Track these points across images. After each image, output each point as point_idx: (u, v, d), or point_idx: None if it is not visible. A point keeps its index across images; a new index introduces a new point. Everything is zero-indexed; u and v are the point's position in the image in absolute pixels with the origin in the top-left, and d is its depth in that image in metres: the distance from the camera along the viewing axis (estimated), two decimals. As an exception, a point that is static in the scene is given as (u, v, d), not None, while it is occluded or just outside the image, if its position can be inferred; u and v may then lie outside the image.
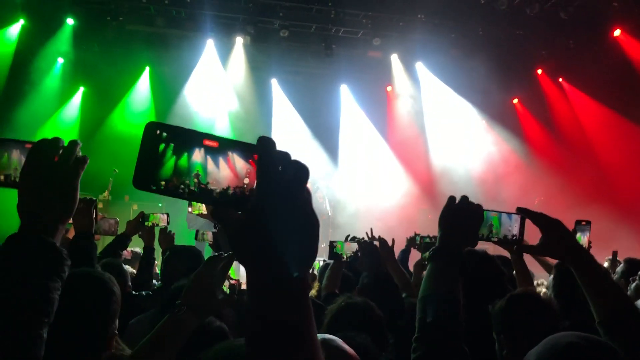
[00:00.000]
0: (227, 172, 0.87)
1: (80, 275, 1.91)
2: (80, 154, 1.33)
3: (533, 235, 2.07)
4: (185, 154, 0.86)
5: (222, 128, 14.05)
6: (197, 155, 0.86)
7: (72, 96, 13.58)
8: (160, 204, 11.61)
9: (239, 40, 12.65)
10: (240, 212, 0.85)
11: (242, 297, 2.18)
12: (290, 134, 14.34)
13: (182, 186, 0.86)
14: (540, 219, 1.94)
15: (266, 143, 0.83)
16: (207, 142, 0.87)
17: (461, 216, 1.81)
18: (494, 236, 2.16)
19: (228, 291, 2.15)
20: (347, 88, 14.96)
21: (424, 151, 14.59)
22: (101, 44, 12.33)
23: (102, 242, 4.77)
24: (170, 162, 0.86)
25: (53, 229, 1.27)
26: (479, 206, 1.83)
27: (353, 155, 14.93)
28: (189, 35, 12.53)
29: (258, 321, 0.80)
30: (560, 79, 13.52)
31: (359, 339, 2.06)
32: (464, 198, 1.84)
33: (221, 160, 0.87)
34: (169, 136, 0.86)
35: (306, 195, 0.83)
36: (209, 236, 5.62)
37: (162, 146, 0.86)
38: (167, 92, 13.72)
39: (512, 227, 2.13)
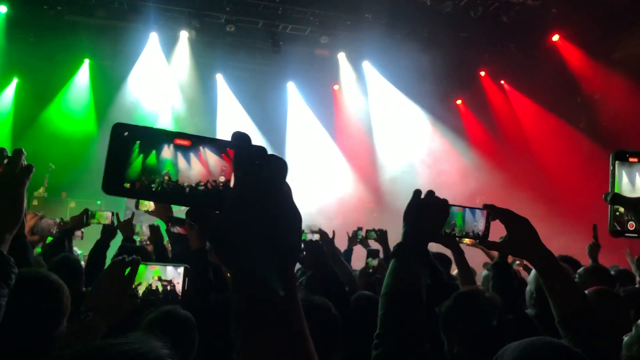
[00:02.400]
0: (199, 168, 0.83)
1: (26, 277, 1.85)
2: (25, 162, 1.34)
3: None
4: (154, 152, 0.82)
5: (165, 123, 13.73)
6: (167, 152, 0.82)
7: (5, 88, 12.94)
8: (99, 202, 11.21)
9: (184, 34, 12.36)
10: (218, 212, 0.81)
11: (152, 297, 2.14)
12: (235, 130, 14.14)
13: (152, 186, 0.81)
14: (506, 216, 1.91)
15: (241, 137, 0.81)
16: (179, 142, 0.83)
17: (427, 211, 1.76)
18: (457, 234, 2.16)
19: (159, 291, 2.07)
20: (294, 85, 14.93)
21: (371, 149, 14.73)
22: (37, 34, 11.77)
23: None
24: (137, 161, 0.81)
25: (1, 238, 1.30)
26: (444, 201, 1.78)
27: (300, 153, 14.89)
28: (131, 27, 12.08)
29: (249, 325, 0.75)
30: (502, 82, 13.94)
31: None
32: (430, 193, 1.79)
33: (192, 157, 0.83)
34: (137, 137, 0.82)
35: (287, 189, 0.80)
36: (145, 231, 5.44)
37: (131, 147, 0.81)
38: (107, 85, 13.26)
39: (478, 223, 2.12)
